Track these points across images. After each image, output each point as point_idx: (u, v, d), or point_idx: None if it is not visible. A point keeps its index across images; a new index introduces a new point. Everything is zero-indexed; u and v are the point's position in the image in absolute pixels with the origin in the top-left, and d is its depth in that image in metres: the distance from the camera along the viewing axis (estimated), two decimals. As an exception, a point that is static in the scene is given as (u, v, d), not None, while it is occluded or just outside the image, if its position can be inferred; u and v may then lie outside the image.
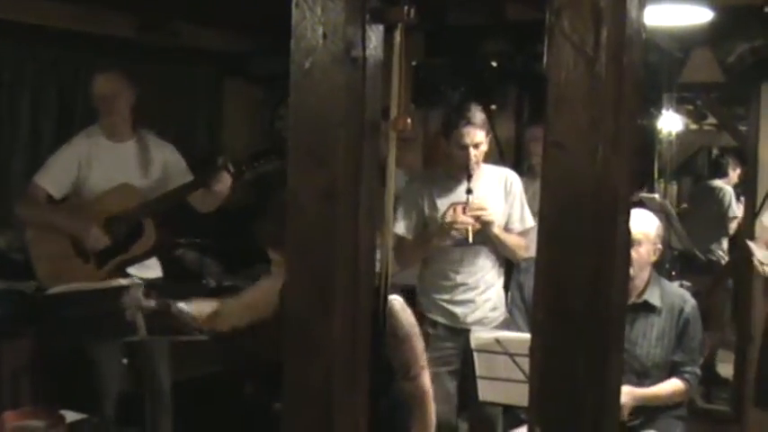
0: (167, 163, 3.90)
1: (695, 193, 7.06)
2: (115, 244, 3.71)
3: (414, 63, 4.91)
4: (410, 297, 3.77)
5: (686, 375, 3.13)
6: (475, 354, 2.95)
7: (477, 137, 3.58)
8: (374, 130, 1.44)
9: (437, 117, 4.46)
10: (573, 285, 1.26)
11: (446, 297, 3.71)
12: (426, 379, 2.59)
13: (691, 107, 6.27)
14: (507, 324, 3.55)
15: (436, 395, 3.65)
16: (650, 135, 5.41)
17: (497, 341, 2.86)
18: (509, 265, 3.88)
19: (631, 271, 2.96)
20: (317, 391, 1.41)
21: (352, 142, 1.39)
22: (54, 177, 3.73)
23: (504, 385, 2.87)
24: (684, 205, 6.89)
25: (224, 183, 3.71)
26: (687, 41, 4.68)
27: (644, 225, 3.13)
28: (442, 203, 3.67)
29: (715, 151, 7.39)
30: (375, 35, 1.42)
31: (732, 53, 4.45)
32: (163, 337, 3.44)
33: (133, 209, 3.73)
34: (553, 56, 1.25)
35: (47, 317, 3.89)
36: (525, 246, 3.68)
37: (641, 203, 4.25)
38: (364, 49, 1.39)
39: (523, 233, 3.73)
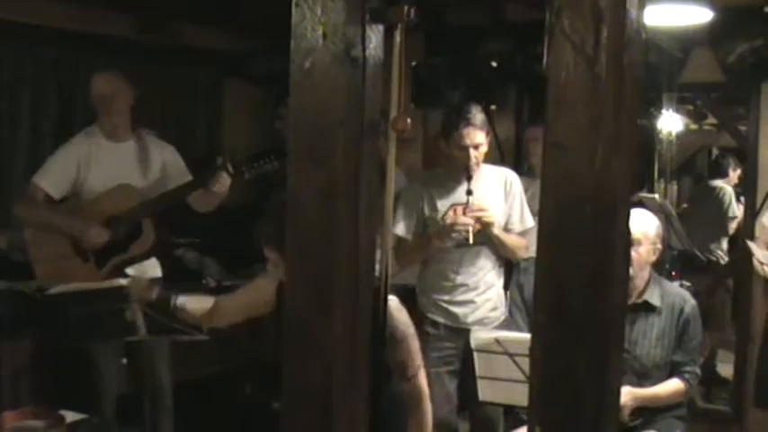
0: (166, 163, 3.90)
1: (695, 194, 7.06)
2: (114, 244, 3.71)
3: (413, 63, 4.91)
4: (410, 297, 3.78)
5: (686, 375, 3.13)
6: (475, 354, 2.95)
7: (478, 138, 3.58)
8: (374, 130, 1.44)
9: (437, 117, 4.45)
10: (573, 285, 1.26)
11: (446, 297, 3.71)
12: (423, 379, 2.59)
13: (691, 107, 6.28)
14: (507, 324, 3.55)
15: (436, 395, 3.66)
16: (650, 135, 5.41)
17: (497, 341, 2.86)
18: (509, 265, 3.88)
19: (631, 271, 2.96)
20: (316, 391, 1.41)
21: (351, 142, 1.39)
22: (53, 178, 3.73)
23: (504, 385, 2.87)
24: (685, 205, 6.89)
25: (223, 183, 3.71)
26: (687, 41, 4.68)
27: (643, 225, 3.13)
28: (443, 204, 3.67)
29: (715, 151, 7.39)
30: (375, 35, 1.42)
31: (732, 53, 4.44)
32: (163, 336, 3.44)
33: (132, 209, 3.72)
34: (553, 56, 1.25)
35: (47, 317, 3.89)
36: (525, 246, 3.68)
37: (641, 203, 4.25)
38: (364, 49, 1.40)
39: (523, 233, 3.73)
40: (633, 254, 3.00)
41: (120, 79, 3.80)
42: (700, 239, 5.91)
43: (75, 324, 3.35)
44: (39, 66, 4.81)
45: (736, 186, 6.39)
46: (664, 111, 5.33)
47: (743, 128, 5.13)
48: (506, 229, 3.71)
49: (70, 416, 2.94)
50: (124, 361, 3.86)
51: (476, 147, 3.58)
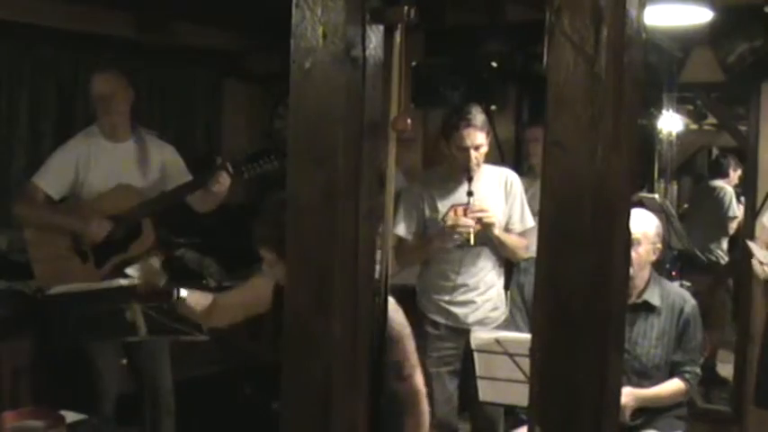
0: (166, 163, 3.89)
1: (695, 194, 7.05)
2: (114, 243, 3.71)
3: (413, 63, 4.91)
4: (410, 297, 3.78)
5: (686, 375, 3.13)
6: (475, 354, 2.94)
7: (478, 138, 3.57)
8: (374, 130, 1.44)
9: (437, 117, 4.45)
10: (573, 285, 1.26)
11: (446, 298, 3.71)
12: (419, 379, 2.60)
13: (691, 107, 6.27)
14: (508, 324, 3.55)
15: (437, 395, 3.67)
16: (650, 135, 5.41)
17: (497, 341, 2.86)
18: (509, 265, 3.88)
19: (631, 271, 2.95)
20: (316, 391, 1.41)
21: (351, 142, 1.39)
22: (52, 178, 3.72)
23: (504, 385, 2.87)
24: (685, 205, 6.89)
25: (223, 183, 3.71)
26: (687, 41, 4.68)
27: (643, 225, 3.13)
28: (443, 205, 3.66)
29: (715, 151, 7.38)
30: (375, 35, 1.42)
31: (732, 53, 4.44)
32: (163, 337, 3.44)
33: (132, 209, 3.72)
34: (553, 56, 1.25)
35: (47, 317, 3.89)
36: (525, 246, 3.68)
37: (641, 203, 4.24)
38: (364, 49, 1.39)
39: (524, 233, 3.73)
40: (633, 254, 2.99)
41: (120, 79, 3.79)
42: (700, 239, 5.91)
43: (75, 324, 3.35)
44: (38, 65, 4.81)
45: (736, 186, 6.38)
46: (664, 110, 5.32)
47: (743, 128, 5.12)
48: (507, 229, 3.71)
49: (70, 416, 2.93)
50: (124, 361, 3.86)
51: (476, 147, 3.58)
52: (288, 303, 1.46)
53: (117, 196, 3.73)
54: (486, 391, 2.97)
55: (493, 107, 5.03)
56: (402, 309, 2.56)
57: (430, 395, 3.58)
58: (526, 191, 3.82)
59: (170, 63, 5.47)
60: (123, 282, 3.13)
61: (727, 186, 6.38)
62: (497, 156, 4.64)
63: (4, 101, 4.70)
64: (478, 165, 3.62)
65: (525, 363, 2.61)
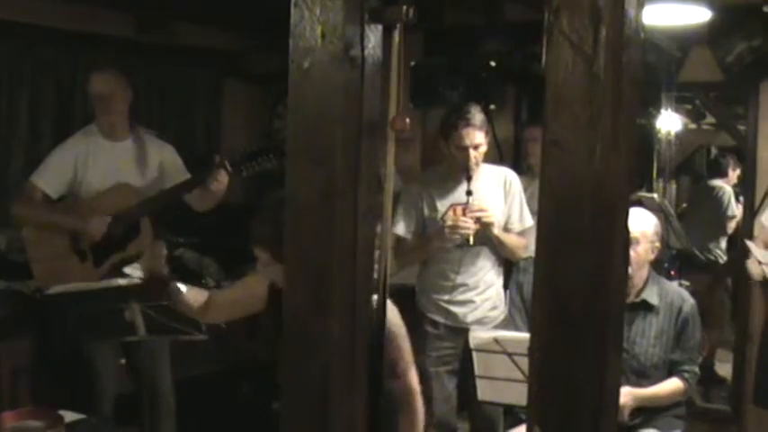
0: (165, 162, 3.89)
1: (694, 193, 7.05)
2: (113, 242, 3.71)
3: (412, 63, 4.91)
4: (409, 297, 3.78)
5: (685, 374, 3.13)
6: (474, 353, 2.94)
7: (477, 138, 3.58)
8: (372, 129, 1.44)
9: (435, 117, 4.45)
10: (572, 284, 1.26)
11: (446, 297, 3.71)
12: (413, 377, 2.60)
13: (689, 106, 6.27)
14: (507, 323, 3.55)
15: (436, 395, 3.67)
16: (649, 134, 5.41)
17: (496, 341, 2.86)
18: (508, 264, 3.88)
19: (629, 270, 2.96)
20: (314, 391, 1.41)
21: (350, 142, 1.39)
22: (50, 177, 3.72)
23: (502, 385, 2.87)
24: (684, 205, 6.89)
25: (221, 181, 3.70)
26: (686, 41, 4.68)
27: (641, 224, 3.13)
28: (442, 204, 3.67)
29: (714, 151, 7.38)
30: (374, 35, 1.42)
31: (731, 52, 4.44)
32: (162, 336, 3.44)
33: (130, 208, 3.72)
34: (552, 55, 1.25)
35: (45, 317, 3.89)
36: (525, 245, 3.68)
37: (640, 203, 4.25)
38: (363, 48, 1.40)
39: (523, 233, 3.73)
40: (631, 253, 2.99)
41: (119, 78, 3.79)
42: (698, 239, 5.91)
43: (74, 324, 3.35)
44: (38, 65, 4.81)
45: (735, 186, 6.39)
46: (662, 110, 5.33)
47: (741, 127, 5.12)
48: (506, 228, 3.71)
49: (69, 416, 2.93)
50: (122, 361, 3.86)
51: (475, 147, 3.58)
52: (286, 303, 1.46)
53: (115, 195, 3.73)
54: (484, 391, 2.97)
55: (492, 107, 5.04)
56: (400, 308, 2.56)
57: (429, 394, 3.60)
58: (525, 190, 3.82)
59: (170, 63, 5.47)
60: (122, 281, 3.13)
61: (725, 186, 6.39)
62: (496, 155, 4.64)
63: (3, 101, 4.70)
64: (477, 164, 3.62)
65: (524, 362, 2.61)
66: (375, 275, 1.56)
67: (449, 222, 3.57)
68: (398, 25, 1.45)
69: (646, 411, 3.12)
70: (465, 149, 3.56)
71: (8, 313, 4.07)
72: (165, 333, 3.15)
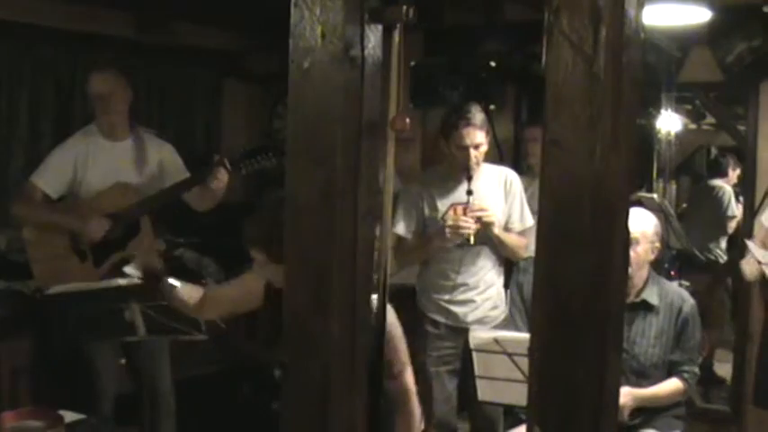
0: (164, 161, 3.89)
1: (694, 193, 7.05)
2: (112, 242, 3.71)
3: (412, 63, 4.91)
4: (410, 296, 3.78)
5: (685, 375, 3.13)
6: (474, 353, 2.94)
7: (478, 138, 3.58)
8: (372, 129, 1.44)
9: (435, 117, 4.45)
10: (572, 284, 1.26)
11: (446, 297, 3.71)
12: (409, 377, 2.61)
13: (689, 107, 6.27)
14: (507, 323, 3.55)
15: (436, 395, 3.67)
16: (649, 135, 5.41)
17: (496, 341, 2.86)
18: (509, 264, 3.88)
19: (629, 270, 2.96)
20: (314, 391, 1.41)
21: (350, 142, 1.39)
22: (50, 177, 3.72)
23: (503, 385, 2.87)
24: (684, 205, 6.89)
25: (221, 179, 3.70)
26: (686, 41, 4.68)
27: (641, 224, 3.13)
28: (443, 204, 3.66)
29: (714, 151, 7.38)
30: (374, 35, 1.42)
31: (731, 52, 4.44)
32: (162, 336, 3.44)
33: (130, 207, 3.72)
34: (552, 55, 1.25)
35: (45, 317, 3.89)
36: (525, 245, 3.68)
37: (640, 203, 4.25)
38: (363, 48, 1.40)
39: (523, 232, 3.73)
40: (631, 253, 2.99)
41: (118, 78, 3.79)
42: (698, 239, 5.91)
43: (74, 324, 3.35)
44: (38, 65, 4.81)
45: (735, 186, 6.39)
46: (662, 110, 5.33)
47: (741, 127, 5.12)
48: (506, 228, 3.71)
49: (69, 416, 2.93)
50: (122, 361, 3.86)
51: (476, 146, 3.58)
52: (286, 303, 1.46)
53: (115, 195, 3.73)
54: (484, 391, 2.97)
55: (492, 107, 5.04)
56: (399, 308, 2.56)
57: (429, 394, 3.60)
58: (525, 190, 3.82)
59: (170, 63, 5.47)
60: (122, 281, 3.12)
61: (725, 186, 6.39)
62: (496, 155, 4.64)
63: (3, 101, 4.70)
64: (478, 164, 3.62)
65: (524, 362, 2.61)
66: (375, 275, 1.56)
67: (449, 222, 3.57)
68: (398, 25, 1.45)
69: (645, 411, 3.12)
70: (465, 149, 3.56)
71: (8, 313, 4.07)
72: (164, 333, 3.15)
